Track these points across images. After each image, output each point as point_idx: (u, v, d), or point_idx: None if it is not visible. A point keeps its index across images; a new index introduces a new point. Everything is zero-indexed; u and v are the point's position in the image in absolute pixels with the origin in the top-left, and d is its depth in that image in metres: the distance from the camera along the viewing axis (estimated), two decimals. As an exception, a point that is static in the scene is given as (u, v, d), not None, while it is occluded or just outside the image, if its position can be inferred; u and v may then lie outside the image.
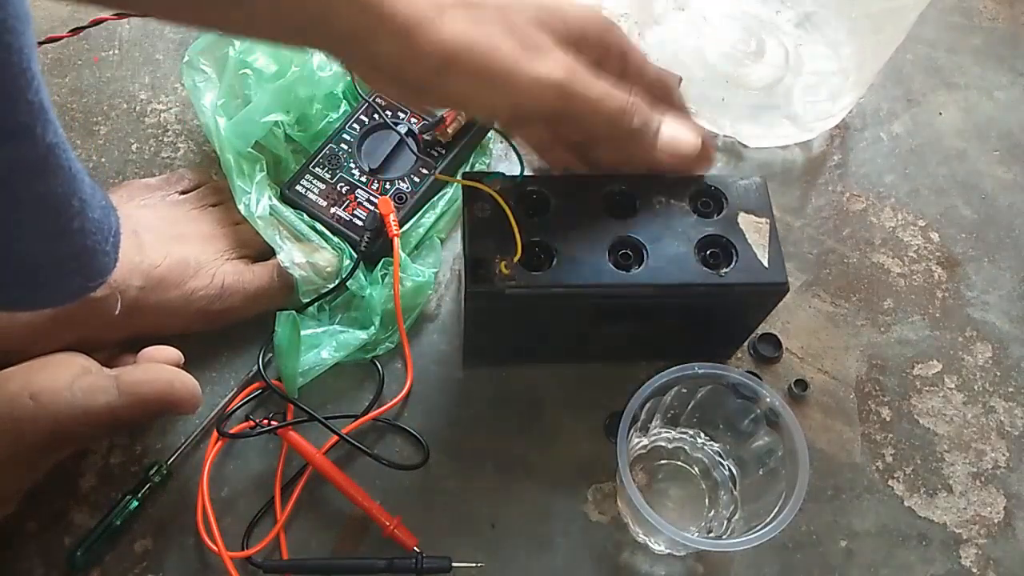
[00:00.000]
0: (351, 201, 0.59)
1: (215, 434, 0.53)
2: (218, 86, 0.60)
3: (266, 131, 0.59)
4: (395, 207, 0.58)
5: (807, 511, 0.55)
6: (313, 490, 0.53)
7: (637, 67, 0.47)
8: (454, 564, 0.50)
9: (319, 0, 0.35)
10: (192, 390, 0.50)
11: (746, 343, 0.59)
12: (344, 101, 0.64)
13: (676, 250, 0.48)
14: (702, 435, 0.54)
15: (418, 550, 0.51)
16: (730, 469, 0.53)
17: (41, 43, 0.67)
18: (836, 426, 0.58)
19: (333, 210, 0.59)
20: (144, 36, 0.72)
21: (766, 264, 0.48)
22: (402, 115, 0.63)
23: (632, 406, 0.47)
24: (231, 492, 0.53)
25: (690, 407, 0.52)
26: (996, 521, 0.56)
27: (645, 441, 0.54)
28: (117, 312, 0.50)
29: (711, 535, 0.52)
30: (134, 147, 0.66)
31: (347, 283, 0.56)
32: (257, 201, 0.57)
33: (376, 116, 0.62)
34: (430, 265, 0.59)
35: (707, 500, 0.54)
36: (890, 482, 0.56)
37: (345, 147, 0.61)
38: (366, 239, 0.57)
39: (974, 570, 0.54)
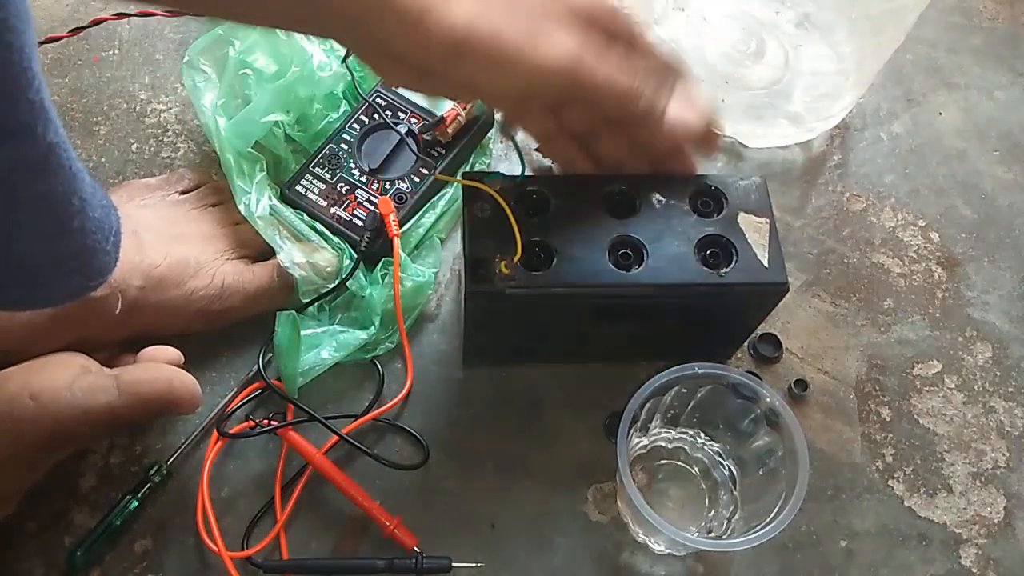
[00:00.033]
0: (351, 201, 0.59)
1: (215, 434, 0.53)
2: (218, 86, 0.60)
3: (266, 131, 0.59)
4: (395, 207, 0.58)
5: (807, 511, 0.55)
6: (313, 490, 0.53)
7: (643, 51, 0.47)
8: (454, 564, 0.50)
9: None
10: (192, 389, 0.50)
11: (746, 343, 0.59)
12: (344, 101, 0.64)
13: (676, 250, 0.48)
14: (702, 435, 0.54)
15: (418, 550, 0.51)
16: (730, 469, 0.53)
17: (41, 43, 0.67)
18: (836, 426, 0.58)
19: (333, 210, 0.59)
20: (144, 36, 0.72)
21: (766, 264, 0.48)
22: (402, 115, 0.63)
23: (632, 406, 0.47)
24: (231, 492, 0.53)
25: (690, 407, 0.52)
26: (996, 521, 0.56)
27: (645, 441, 0.54)
28: (117, 312, 0.50)
29: (711, 535, 0.52)
30: (134, 147, 0.66)
31: (347, 283, 0.56)
32: (257, 201, 0.57)
33: (376, 116, 0.62)
34: (430, 265, 0.59)
35: (707, 500, 0.54)
36: (890, 482, 0.56)
37: (345, 147, 0.61)
38: (366, 239, 0.57)
39: (974, 570, 0.54)
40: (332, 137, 0.62)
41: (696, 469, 0.55)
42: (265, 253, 0.57)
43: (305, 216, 0.59)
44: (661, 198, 0.50)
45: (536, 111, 0.48)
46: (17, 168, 0.35)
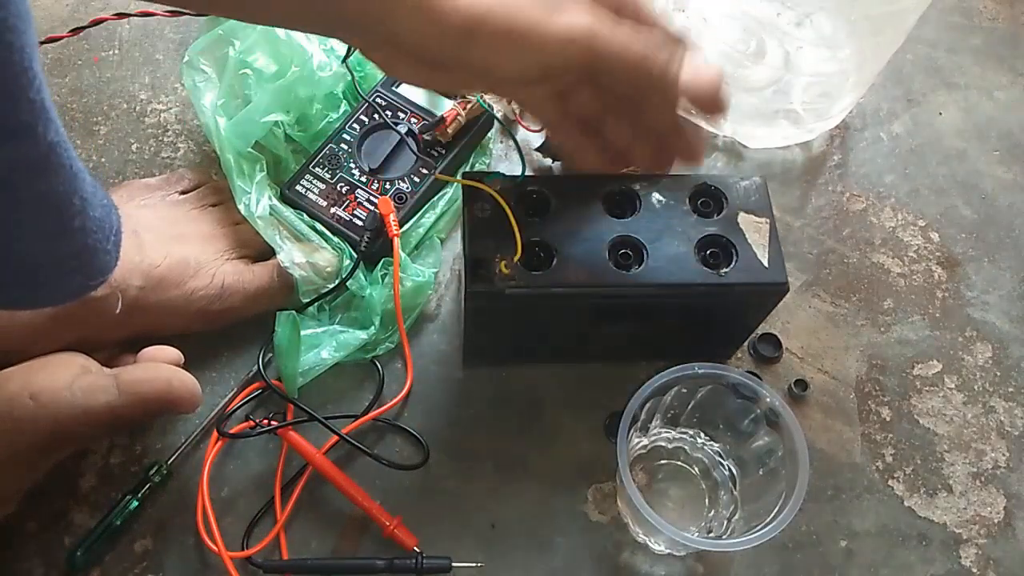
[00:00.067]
0: (351, 201, 0.59)
1: (215, 434, 0.53)
2: (218, 86, 0.60)
3: (266, 131, 0.59)
4: (395, 207, 0.58)
5: (807, 511, 0.55)
6: (313, 490, 0.53)
7: (651, 24, 0.46)
8: (454, 564, 0.50)
9: None
10: (192, 389, 0.50)
11: (746, 343, 0.59)
12: (344, 101, 0.64)
13: (676, 250, 0.48)
14: (702, 435, 0.54)
15: (418, 550, 0.51)
16: (730, 469, 0.53)
17: (41, 43, 0.67)
18: (836, 426, 0.58)
19: (333, 210, 0.59)
20: (144, 36, 0.72)
21: (766, 264, 0.48)
22: (402, 115, 0.63)
23: (632, 406, 0.47)
24: (231, 492, 0.53)
25: (690, 407, 0.52)
26: (996, 521, 0.56)
27: (645, 441, 0.54)
28: (117, 312, 0.50)
29: (711, 535, 0.52)
30: (134, 147, 0.66)
31: (347, 283, 0.56)
32: (257, 201, 0.57)
33: (376, 116, 0.62)
34: (430, 265, 0.59)
35: (707, 500, 0.54)
36: (890, 482, 0.56)
37: (345, 147, 0.61)
38: (366, 239, 0.57)
39: (974, 570, 0.54)
40: (332, 137, 0.62)
41: (696, 469, 0.55)
42: (265, 253, 0.57)
43: (305, 216, 0.59)
44: (661, 198, 0.50)
45: (547, 97, 0.48)
46: (18, 168, 0.35)
